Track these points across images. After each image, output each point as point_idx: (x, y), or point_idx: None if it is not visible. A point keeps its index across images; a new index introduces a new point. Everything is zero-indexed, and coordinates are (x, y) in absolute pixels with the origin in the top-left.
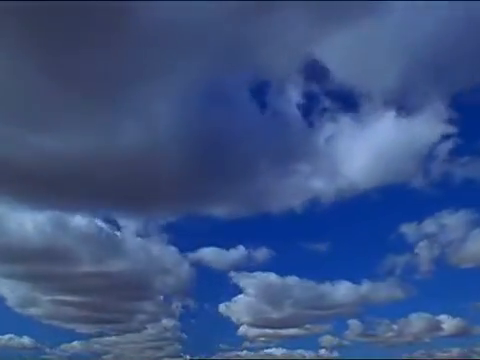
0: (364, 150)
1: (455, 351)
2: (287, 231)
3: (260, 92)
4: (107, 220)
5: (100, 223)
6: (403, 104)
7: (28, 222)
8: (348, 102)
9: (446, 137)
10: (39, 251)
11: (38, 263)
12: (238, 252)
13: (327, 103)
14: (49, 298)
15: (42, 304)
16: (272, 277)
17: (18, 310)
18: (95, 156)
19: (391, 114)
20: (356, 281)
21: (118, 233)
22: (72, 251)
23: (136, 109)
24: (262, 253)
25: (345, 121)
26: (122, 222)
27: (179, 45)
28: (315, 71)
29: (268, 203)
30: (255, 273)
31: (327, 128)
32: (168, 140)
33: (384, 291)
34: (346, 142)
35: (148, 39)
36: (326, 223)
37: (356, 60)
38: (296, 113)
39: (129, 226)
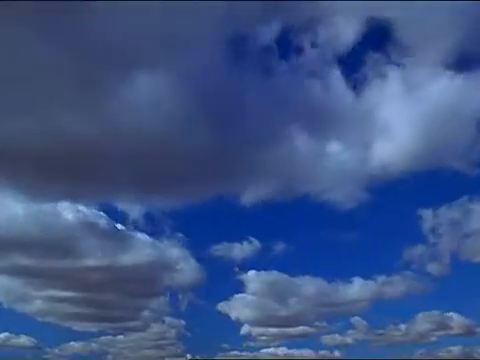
0: (410, 120)
1: (457, 350)
2: (312, 219)
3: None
4: (108, 209)
5: (101, 213)
6: (459, 64)
7: (20, 212)
8: (400, 58)
9: None
10: (34, 244)
11: (32, 257)
12: (251, 246)
13: (376, 56)
14: (44, 294)
15: (37, 301)
16: (280, 275)
17: (12, 307)
18: (96, 138)
19: (447, 74)
20: (370, 277)
21: (119, 225)
22: (70, 243)
23: (142, 85)
24: (276, 248)
25: (394, 80)
26: (125, 212)
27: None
28: (373, 29)
29: (294, 188)
30: (262, 271)
31: (373, 92)
32: (180, 116)
33: (397, 288)
34: (392, 109)
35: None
36: (356, 211)
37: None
38: (338, 75)
39: (132, 216)
